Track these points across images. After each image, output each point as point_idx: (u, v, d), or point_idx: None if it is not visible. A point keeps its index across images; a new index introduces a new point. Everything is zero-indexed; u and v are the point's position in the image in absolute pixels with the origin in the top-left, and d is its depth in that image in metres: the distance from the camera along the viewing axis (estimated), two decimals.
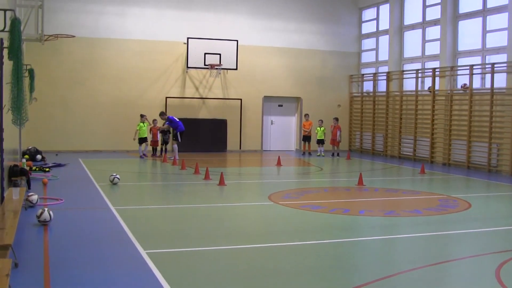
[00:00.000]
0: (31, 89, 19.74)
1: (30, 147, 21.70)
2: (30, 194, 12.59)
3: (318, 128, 26.86)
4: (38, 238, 9.81)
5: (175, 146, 23.07)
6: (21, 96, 11.01)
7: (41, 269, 7.89)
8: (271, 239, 10.14)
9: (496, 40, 21.97)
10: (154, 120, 24.58)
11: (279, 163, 22.11)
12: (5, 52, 10.74)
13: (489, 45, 22.26)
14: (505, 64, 20.84)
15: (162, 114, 24.07)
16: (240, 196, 15.42)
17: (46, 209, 10.72)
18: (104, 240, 9.73)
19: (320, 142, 26.81)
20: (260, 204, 13.77)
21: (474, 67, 22.09)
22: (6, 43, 10.58)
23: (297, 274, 8.01)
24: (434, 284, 7.72)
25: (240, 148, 28.17)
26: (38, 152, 21.57)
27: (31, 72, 19.10)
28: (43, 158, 21.33)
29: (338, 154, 26.53)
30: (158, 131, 24.33)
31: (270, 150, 28.88)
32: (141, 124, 23.82)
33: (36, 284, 7.29)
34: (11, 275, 6.47)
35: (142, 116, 24.07)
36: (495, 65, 21.05)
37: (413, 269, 8.24)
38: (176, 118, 23.47)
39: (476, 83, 22.32)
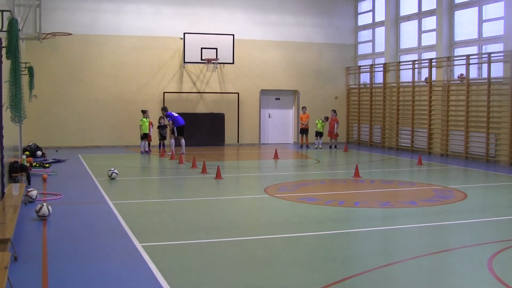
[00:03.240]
0: (31, 86, 19.88)
1: (30, 144, 21.90)
2: (29, 189, 12.76)
3: (319, 121, 26.97)
4: (37, 232, 9.98)
5: (172, 141, 23.18)
6: (19, 94, 11.16)
7: (40, 262, 8.05)
8: (266, 231, 10.28)
9: (493, 29, 22.00)
10: (161, 117, 24.54)
11: (276, 156, 22.24)
12: (4, 52, 10.89)
13: (485, 34, 22.32)
14: (501, 54, 20.95)
15: (164, 109, 24.06)
16: (236, 189, 15.58)
17: (45, 204, 10.89)
18: (101, 234, 9.90)
19: (319, 134, 26.94)
20: (256, 197, 13.89)
21: (470, 57, 22.17)
22: (4, 43, 10.72)
23: (292, 265, 8.13)
24: (427, 274, 7.85)
25: (238, 141, 28.31)
26: (38, 148, 21.76)
27: (30, 70, 19.23)
28: (43, 154, 21.50)
29: (335, 146, 26.66)
30: (158, 128, 24.31)
31: (268, 144, 29.00)
32: (144, 119, 23.87)
33: (35, 276, 7.46)
34: (10, 268, 6.63)
35: (144, 111, 24.12)
36: (492, 55, 21.14)
37: (407, 259, 8.38)
38: (174, 113, 23.54)
39: (473, 73, 22.40)
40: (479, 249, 9.05)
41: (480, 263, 8.16)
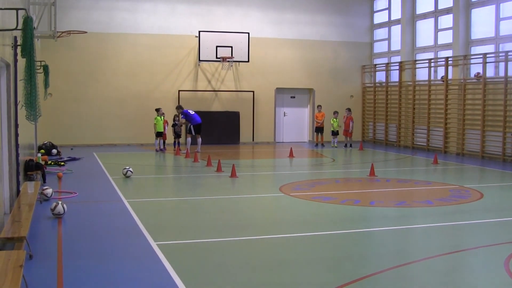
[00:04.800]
0: (46, 84, 19.96)
1: (45, 142, 21.97)
2: (45, 187, 12.80)
3: (335, 120, 26.88)
4: (52, 231, 9.99)
5: (188, 139, 23.19)
6: (34, 93, 11.18)
7: (55, 261, 8.05)
8: (281, 230, 10.23)
9: (510, 28, 21.77)
10: (176, 116, 24.48)
11: (291, 155, 22.18)
12: (19, 50, 10.92)
13: (502, 33, 22.11)
14: None
15: (179, 108, 24.04)
16: (251, 188, 15.54)
17: (60, 202, 10.91)
18: (116, 232, 9.90)
19: (335, 133, 26.84)
20: (271, 195, 13.87)
21: (487, 55, 21.96)
22: (19, 41, 10.75)
23: (307, 265, 8.09)
24: (443, 274, 7.76)
25: (253, 140, 28.26)
26: (53, 146, 21.82)
27: (45, 68, 19.30)
28: (58, 153, 21.56)
29: (351, 145, 26.55)
30: (173, 126, 24.34)
31: (283, 142, 28.95)
32: (158, 118, 23.87)
33: (50, 275, 7.47)
34: (26, 266, 6.64)
35: (157, 110, 24.14)
36: (509, 53, 20.85)
37: (423, 259, 8.31)
38: (190, 112, 23.53)
39: (490, 72, 22.19)
40: (496, 249, 8.94)
41: (496, 264, 8.07)
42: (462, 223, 10.93)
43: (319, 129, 27.22)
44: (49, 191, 12.63)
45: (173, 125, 24.34)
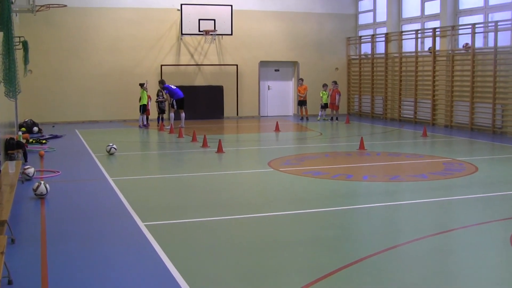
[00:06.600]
0: (26, 61, 19.42)
1: (26, 120, 21.48)
2: (26, 167, 12.37)
3: (324, 92, 26.57)
4: (34, 212, 9.58)
5: (172, 114, 22.75)
6: (13, 68, 10.71)
7: (38, 244, 7.67)
8: (273, 207, 9.88)
9: None
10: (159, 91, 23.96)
11: (277, 129, 21.81)
12: None
13: (491, 2, 21.72)
14: (509, 22, 20.41)
15: (161, 83, 23.50)
16: (240, 164, 15.18)
17: (42, 182, 10.48)
18: (101, 213, 9.50)
19: (324, 106, 26.55)
20: (260, 171, 13.48)
21: (476, 26, 21.57)
22: None
23: (301, 244, 7.75)
24: (446, 253, 7.44)
25: (237, 114, 27.83)
26: (34, 124, 21.35)
27: (25, 44, 18.74)
28: (40, 130, 21.10)
29: (337, 118, 26.24)
30: (157, 102, 23.87)
31: (267, 116, 28.53)
32: (143, 92, 23.26)
33: (33, 259, 7.08)
34: (7, 251, 6.32)
35: (141, 84, 23.54)
36: (499, 23, 20.54)
37: (423, 237, 7.96)
38: (172, 86, 23.05)
39: (479, 43, 21.85)
40: (500, 224, 8.65)
41: (502, 240, 7.79)
42: (462, 198, 10.61)
43: (302, 102, 26.85)
44: (31, 170, 12.18)
45: (157, 101, 23.85)
